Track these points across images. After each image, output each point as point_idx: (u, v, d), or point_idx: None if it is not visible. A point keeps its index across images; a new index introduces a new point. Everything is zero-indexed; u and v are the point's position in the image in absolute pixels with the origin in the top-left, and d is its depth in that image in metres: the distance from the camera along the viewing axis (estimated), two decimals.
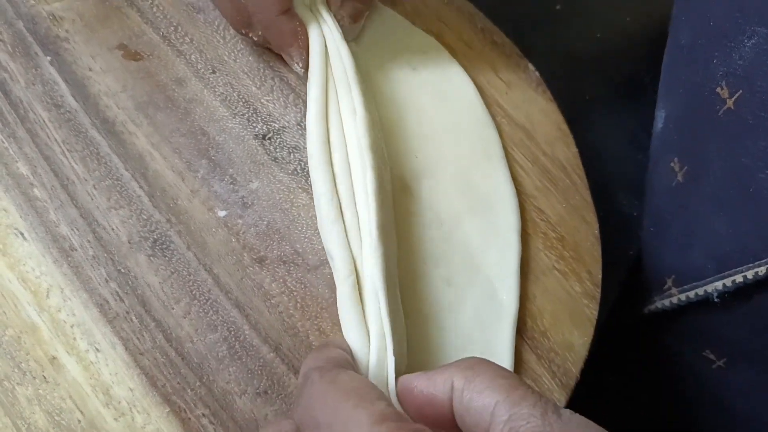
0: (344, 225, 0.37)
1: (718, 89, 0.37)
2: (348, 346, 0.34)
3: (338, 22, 0.42)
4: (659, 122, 0.44)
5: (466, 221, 0.40)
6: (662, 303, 0.45)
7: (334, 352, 0.33)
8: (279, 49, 0.42)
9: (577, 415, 0.26)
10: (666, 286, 0.44)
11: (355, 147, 0.38)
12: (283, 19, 0.41)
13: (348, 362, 0.32)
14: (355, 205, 0.37)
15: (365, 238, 0.36)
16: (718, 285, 0.40)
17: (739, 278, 0.39)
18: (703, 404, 0.49)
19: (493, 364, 0.28)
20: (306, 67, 0.42)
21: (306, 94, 0.42)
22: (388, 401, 0.27)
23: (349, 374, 0.29)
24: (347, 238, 0.36)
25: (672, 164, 0.43)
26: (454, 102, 0.44)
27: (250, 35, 0.42)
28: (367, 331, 0.34)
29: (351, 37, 0.44)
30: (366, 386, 0.28)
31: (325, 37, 0.41)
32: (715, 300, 0.41)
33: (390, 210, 0.38)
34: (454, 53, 0.47)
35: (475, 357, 0.29)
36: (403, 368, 0.34)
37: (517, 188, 0.43)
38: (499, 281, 0.39)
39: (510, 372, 0.28)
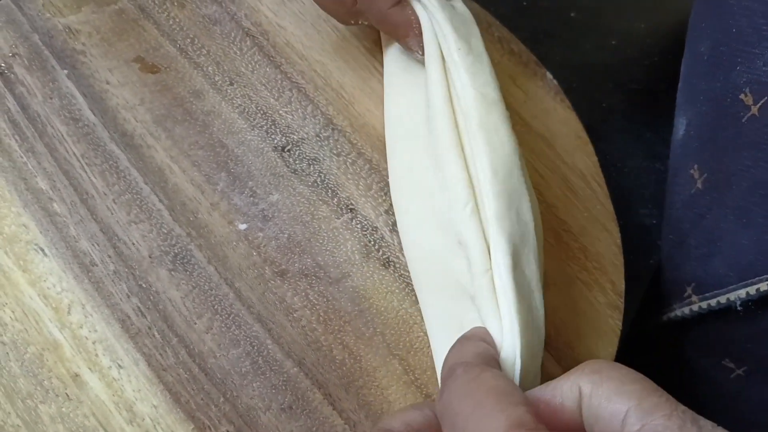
0: (479, 215, 0.34)
1: (742, 96, 0.37)
2: (492, 339, 0.32)
3: None
4: (680, 130, 0.44)
5: None
6: (681, 311, 0.45)
7: (480, 346, 0.31)
8: (396, 39, 0.42)
9: (721, 428, 0.24)
10: (686, 294, 0.44)
11: (474, 128, 0.36)
12: (396, 11, 0.40)
13: (493, 358, 0.31)
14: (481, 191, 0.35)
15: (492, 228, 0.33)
16: (741, 293, 0.39)
17: (764, 287, 0.39)
18: (720, 413, 0.48)
19: (623, 367, 0.26)
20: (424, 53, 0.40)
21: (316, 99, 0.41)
22: (529, 406, 0.26)
23: (493, 372, 0.28)
24: (483, 229, 0.34)
25: (692, 171, 0.42)
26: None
27: (360, 22, 0.42)
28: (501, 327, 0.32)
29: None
30: (509, 387, 0.27)
31: (432, 20, 0.40)
32: (738, 308, 0.40)
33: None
34: None
35: (602, 360, 0.27)
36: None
37: (537, 198, 0.42)
38: None
39: (641, 376, 0.26)
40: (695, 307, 0.44)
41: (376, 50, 0.46)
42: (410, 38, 0.40)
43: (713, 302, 0.42)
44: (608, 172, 0.45)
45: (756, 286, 0.39)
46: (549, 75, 0.47)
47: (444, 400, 0.28)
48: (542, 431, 0.24)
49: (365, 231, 0.39)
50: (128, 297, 0.36)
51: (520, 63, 0.47)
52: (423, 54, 0.40)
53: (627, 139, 0.52)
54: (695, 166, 0.43)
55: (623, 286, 0.41)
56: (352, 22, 0.43)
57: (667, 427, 0.24)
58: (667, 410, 0.24)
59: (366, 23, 0.42)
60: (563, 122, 0.46)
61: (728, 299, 0.41)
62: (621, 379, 0.26)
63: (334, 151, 0.42)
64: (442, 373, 0.29)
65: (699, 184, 0.42)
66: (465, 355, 0.30)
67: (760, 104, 0.37)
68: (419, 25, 0.40)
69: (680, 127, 0.44)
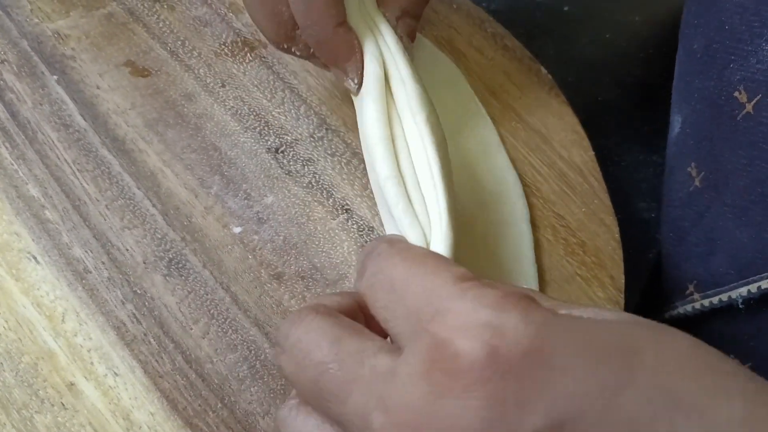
0: (414, 211, 0.34)
1: (736, 93, 0.37)
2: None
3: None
4: (675, 127, 0.44)
5: (478, 216, 0.40)
6: (684, 309, 0.44)
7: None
8: (332, 64, 0.39)
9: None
10: (688, 292, 0.44)
11: (420, 146, 0.35)
12: (340, 32, 0.37)
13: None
14: (420, 189, 0.34)
15: (434, 227, 0.33)
16: (743, 291, 0.39)
17: (764, 284, 0.38)
18: None
19: None
20: (361, 84, 0.38)
21: (314, 103, 0.41)
22: (453, 263, 0.26)
23: (419, 247, 0.28)
24: (420, 225, 0.33)
25: (689, 169, 0.42)
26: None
27: (293, 50, 0.39)
28: None
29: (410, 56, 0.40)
30: (439, 255, 0.27)
31: (383, 52, 0.38)
32: (740, 306, 0.40)
33: (453, 197, 0.36)
34: (465, 59, 0.46)
35: None
36: None
37: (534, 193, 0.42)
38: (518, 273, 0.38)
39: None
40: (697, 305, 0.43)
41: None
42: (350, 64, 0.38)
43: (715, 300, 0.42)
44: (605, 167, 0.44)
45: (757, 284, 0.39)
46: (544, 70, 0.47)
47: (372, 273, 0.27)
48: (491, 286, 0.24)
49: (361, 231, 0.39)
50: (123, 304, 0.36)
51: (514, 59, 0.47)
52: (358, 84, 0.38)
53: (624, 132, 0.52)
54: (692, 164, 0.43)
55: (623, 280, 0.40)
56: (284, 47, 0.39)
57: (576, 307, 0.26)
58: (570, 305, 0.26)
59: (297, 53, 0.39)
60: (559, 117, 0.45)
61: (730, 297, 0.41)
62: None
63: (329, 152, 0.41)
64: (356, 268, 0.29)
65: (697, 182, 0.42)
66: (382, 241, 0.29)
67: (754, 102, 0.36)
68: (361, 53, 0.38)
69: (675, 125, 0.44)
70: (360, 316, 0.28)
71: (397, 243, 0.28)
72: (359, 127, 0.37)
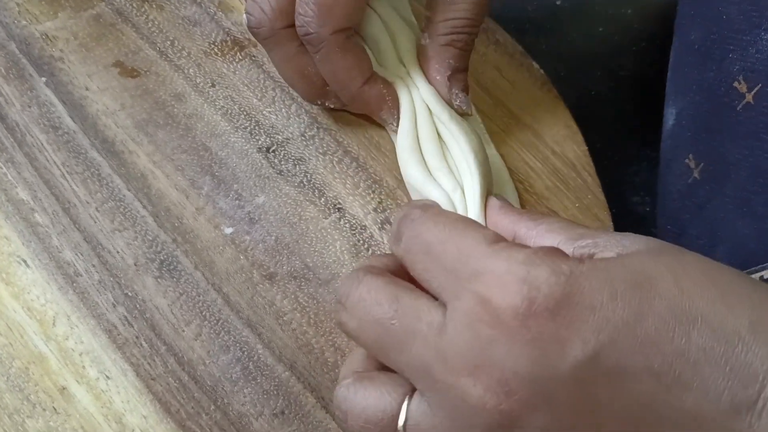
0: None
1: (736, 84, 0.36)
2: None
3: (453, 101, 0.40)
4: (670, 120, 0.43)
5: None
6: None
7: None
8: (370, 115, 0.41)
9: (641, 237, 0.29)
10: None
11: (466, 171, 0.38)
12: (366, 90, 0.39)
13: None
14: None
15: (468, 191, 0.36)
16: None
17: (767, 274, 0.38)
18: None
19: (553, 216, 0.32)
20: (398, 126, 0.40)
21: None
22: (486, 228, 0.29)
23: (451, 212, 0.31)
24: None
25: (687, 161, 0.42)
26: None
27: (326, 104, 0.41)
28: None
29: (471, 109, 0.41)
30: (469, 219, 0.30)
31: (413, 96, 0.40)
32: None
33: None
34: None
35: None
36: None
37: (528, 189, 0.42)
38: None
39: (569, 221, 0.31)
40: None
41: None
42: (384, 111, 0.40)
43: None
44: (599, 161, 0.44)
45: (759, 274, 0.39)
46: (536, 65, 0.47)
47: (409, 237, 0.29)
48: (519, 245, 0.27)
49: (354, 230, 0.39)
50: (114, 306, 0.36)
51: (505, 54, 0.47)
52: (398, 125, 0.40)
53: (616, 126, 0.52)
54: (690, 156, 0.42)
55: None
56: (319, 102, 0.41)
57: (597, 244, 0.28)
58: (590, 236, 0.29)
59: (332, 105, 0.41)
60: (551, 112, 0.45)
61: None
62: (550, 222, 0.31)
63: (320, 150, 0.41)
64: (392, 232, 0.31)
65: (696, 174, 0.42)
66: (415, 207, 0.31)
67: (754, 91, 0.36)
68: (393, 96, 0.40)
69: (670, 117, 0.44)
70: (405, 275, 0.30)
71: (430, 208, 0.30)
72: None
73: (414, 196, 0.39)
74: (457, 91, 0.40)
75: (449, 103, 0.40)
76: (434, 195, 0.37)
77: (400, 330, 0.27)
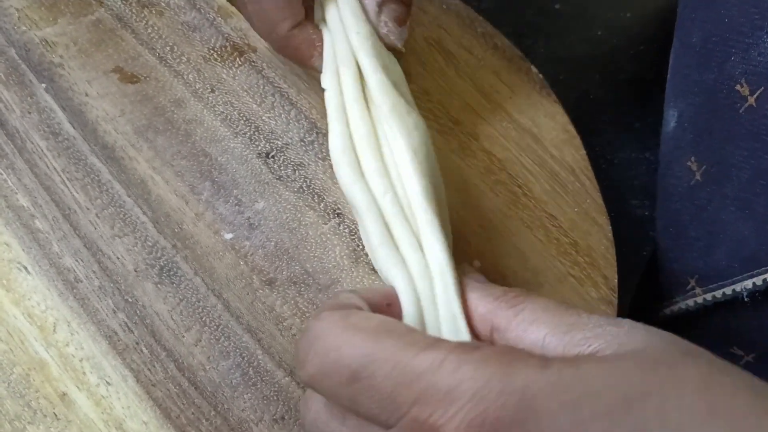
0: (394, 243, 0.34)
1: (738, 87, 0.36)
2: (359, 295, 0.30)
3: (381, 29, 0.38)
4: (671, 122, 0.44)
5: None
6: (685, 303, 0.44)
7: (343, 297, 0.29)
8: (298, 62, 0.39)
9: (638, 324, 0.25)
10: (689, 287, 0.43)
11: (391, 140, 0.36)
12: (295, 34, 0.38)
13: (357, 305, 0.29)
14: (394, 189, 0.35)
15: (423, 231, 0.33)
16: (748, 284, 0.39)
17: None
18: None
19: (536, 298, 0.27)
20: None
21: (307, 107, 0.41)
22: (416, 330, 0.26)
23: (361, 313, 0.26)
24: (407, 216, 0.34)
25: (689, 164, 0.42)
26: None
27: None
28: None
29: (400, 43, 0.40)
30: (395, 322, 0.26)
31: (335, 37, 0.38)
32: (745, 299, 0.40)
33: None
34: (456, 59, 0.46)
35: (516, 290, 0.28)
36: None
37: (526, 194, 0.42)
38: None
39: (552, 302, 0.27)
40: (699, 300, 0.43)
41: None
42: (315, 58, 0.38)
43: (718, 294, 0.42)
44: (598, 165, 0.44)
45: (762, 277, 0.39)
46: (534, 69, 0.47)
47: (320, 363, 0.25)
48: (465, 350, 0.24)
49: (353, 235, 0.39)
50: (114, 312, 0.36)
51: (504, 58, 0.47)
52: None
53: (616, 130, 0.52)
54: (692, 158, 0.42)
55: (616, 280, 0.40)
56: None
57: (587, 338, 0.24)
58: (580, 329, 0.25)
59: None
60: (550, 116, 0.45)
61: (734, 290, 0.41)
62: (533, 309, 0.26)
63: (320, 156, 0.41)
64: (294, 354, 0.29)
65: (698, 176, 0.42)
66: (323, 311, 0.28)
67: (756, 94, 0.36)
68: (321, 42, 0.39)
69: (671, 119, 0.44)
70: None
71: (335, 313, 0.26)
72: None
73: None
74: (386, 20, 0.38)
75: (375, 29, 0.38)
76: (359, 198, 0.35)
77: None
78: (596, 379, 0.22)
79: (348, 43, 0.38)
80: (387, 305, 0.30)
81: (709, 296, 0.42)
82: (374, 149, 0.36)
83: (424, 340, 0.24)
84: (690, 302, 0.43)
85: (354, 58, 0.38)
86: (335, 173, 0.37)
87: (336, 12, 0.39)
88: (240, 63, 0.44)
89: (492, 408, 0.22)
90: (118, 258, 0.37)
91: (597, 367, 0.23)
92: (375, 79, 0.37)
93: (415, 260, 0.33)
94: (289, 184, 0.40)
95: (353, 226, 0.39)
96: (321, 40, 0.39)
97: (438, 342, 0.24)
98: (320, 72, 0.39)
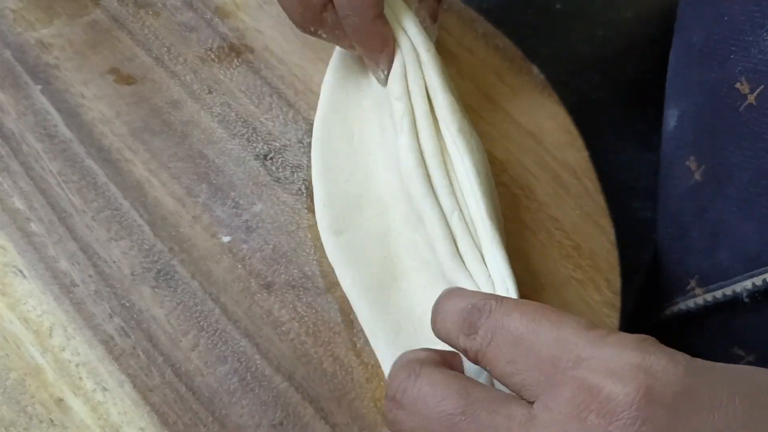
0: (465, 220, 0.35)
1: (738, 85, 0.36)
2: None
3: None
4: (671, 121, 0.43)
5: None
6: (686, 304, 0.44)
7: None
8: (366, 53, 0.39)
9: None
10: (689, 287, 0.43)
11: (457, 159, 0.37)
12: (378, 24, 0.38)
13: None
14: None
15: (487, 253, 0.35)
16: (747, 284, 0.39)
17: None
18: None
19: None
20: (388, 75, 0.39)
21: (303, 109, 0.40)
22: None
23: (533, 302, 0.28)
24: (471, 232, 0.35)
25: (688, 163, 0.41)
26: None
27: (319, 32, 0.39)
28: None
29: (433, 39, 0.41)
30: (553, 308, 0.27)
31: (402, 48, 0.39)
32: (745, 300, 0.40)
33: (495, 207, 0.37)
34: (457, 60, 0.45)
35: None
36: None
37: (528, 196, 0.42)
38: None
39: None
40: (700, 300, 0.43)
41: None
42: (383, 55, 0.38)
43: (719, 294, 0.42)
44: (600, 166, 0.44)
45: (762, 277, 0.39)
46: (536, 69, 0.46)
47: (488, 329, 0.27)
48: (626, 333, 0.25)
49: None
50: (111, 317, 0.35)
51: (505, 59, 0.46)
52: (387, 73, 0.39)
53: (617, 130, 0.52)
54: (692, 158, 0.42)
55: (619, 283, 0.40)
56: (312, 29, 0.39)
57: None
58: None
59: (323, 36, 0.39)
60: (552, 117, 0.45)
61: (734, 291, 0.40)
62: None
63: None
64: (457, 326, 0.28)
65: (698, 176, 0.42)
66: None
67: (756, 93, 0.36)
68: (393, 46, 0.39)
69: (671, 119, 0.43)
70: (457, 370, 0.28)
71: (507, 299, 0.28)
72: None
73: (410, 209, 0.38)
74: (425, 15, 0.40)
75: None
76: (429, 213, 0.35)
77: (473, 427, 0.25)
78: (734, 370, 0.25)
79: (417, 59, 0.39)
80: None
81: (709, 297, 0.42)
82: (442, 167, 0.37)
83: (582, 320, 0.26)
84: (690, 303, 0.43)
85: (422, 74, 0.38)
86: (404, 184, 0.37)
87: (412, 23, 0.39)
88: (237, 64, 0.43)
89: (661, 377, 0.23)
90: (114, 262, 0.37)
91: (726, 365, 0.25)
92: (444, 98, 0.38)
93: (479, 272, 0.34)
94: (287, 186, 0.40)
95: None
96: (394, 40, 0.39)
97: (594, 323, 0.26)
98: (379, 69, 0.39)
